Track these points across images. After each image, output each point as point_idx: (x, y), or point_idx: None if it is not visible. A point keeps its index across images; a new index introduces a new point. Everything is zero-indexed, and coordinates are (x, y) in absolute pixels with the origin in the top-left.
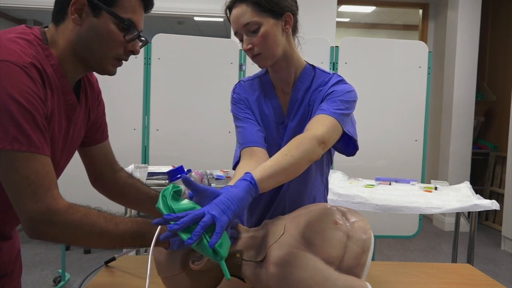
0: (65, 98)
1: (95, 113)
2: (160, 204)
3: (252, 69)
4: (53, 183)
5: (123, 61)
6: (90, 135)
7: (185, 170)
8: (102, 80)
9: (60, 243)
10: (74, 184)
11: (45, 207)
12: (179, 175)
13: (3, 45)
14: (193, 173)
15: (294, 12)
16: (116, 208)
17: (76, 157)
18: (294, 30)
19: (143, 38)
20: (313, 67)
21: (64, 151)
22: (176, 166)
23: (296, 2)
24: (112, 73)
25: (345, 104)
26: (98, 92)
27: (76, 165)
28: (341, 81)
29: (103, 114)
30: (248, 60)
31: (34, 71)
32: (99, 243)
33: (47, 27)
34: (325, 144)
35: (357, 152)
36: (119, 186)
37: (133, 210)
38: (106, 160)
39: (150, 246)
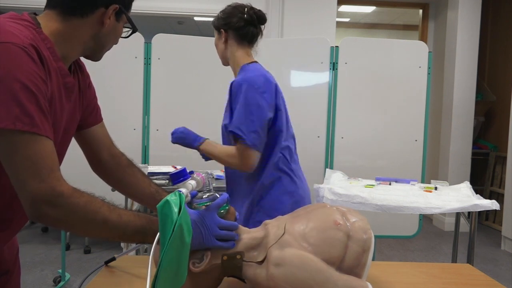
0: (64, 81)
1: (87, 96)
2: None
3: None
4: (56, 165)
5: (122, 61)
6: (84, 118)
7: (187, 171)
8: (103, 80)
9: (61, 228)
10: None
11: (49, 187)
12: (182, 178)
13: (1, 28)
14: (195, 175)
15: (225, 29)
16: (117, 201)
17: (77, 157)
18: (242, 40)
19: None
20: (244, 66)
21: (65, 134)
22: (177, 166)
23: (227, 21)
24: (99, 60)
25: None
26: (87, 75)
27: (76, 164)
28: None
29: (95, 97)
30: None
31: (34, 52)
32: (100, 232)
33: (35, 13)
34: None
35: (357, 152)
36: (119, 173)
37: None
38: (102, 143)
39: (149, 243)
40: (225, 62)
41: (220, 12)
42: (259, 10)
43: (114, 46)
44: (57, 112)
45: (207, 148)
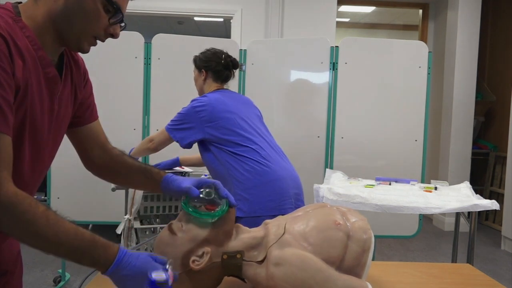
0: (45, 72)
1: (82, 92)
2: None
3: (253, 69)
4: (4, 164)
5: (122, 61)
6: (79, 115)
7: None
8: (103, 80)
9: None
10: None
11: None
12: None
13: None
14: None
15: (206, 70)
16: (117, 201)
17: (76, 156)
18: (217, 79)
19: (124, 23)
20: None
21: (51, 131)
22: (182, 167)
23: (207, 63)
24: (86, 51)
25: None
26: (85, 71)
27: (76, 162)
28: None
29: (91, 94)
30: (248, 60)
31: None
32: (33, 244)
33: (20, 2)
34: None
35: (357, 152)
36: (109, 164)
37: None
38: (96, 141)
39: (86, 266)
40: (201, 94)
41: (201, 54)
42: (234, 58)
43: (114, 46)
44: (36, 103)
45: (136, 150)
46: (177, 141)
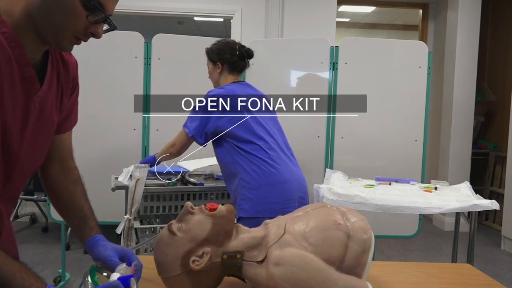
0: (21, 70)
1: (69, 99)
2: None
3: (252, 69)
4: None
5: (122, 61)
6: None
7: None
8: (103, 80)
9: None
10: None
11: None
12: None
13: None
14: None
15: (221, 62)
16: (117, 201)
17: (76, 157)
18: (233, 70)
19: (111, 24)
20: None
21: (25, 134)
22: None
23: (221, 56)
24: (67, 50)
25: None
26: (74, 76)
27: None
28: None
29: (75, 102)
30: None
31: None
32: None
33: None
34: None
35: (357, 152)
36: (59, 186)
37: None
38: (59, 154)
39: None
40: (217, 87)
41: (213, 45)
42: (248, 48)
43: (114, 46)
44: (7, 104)
45: (160, 154)
46: (192, 137)
